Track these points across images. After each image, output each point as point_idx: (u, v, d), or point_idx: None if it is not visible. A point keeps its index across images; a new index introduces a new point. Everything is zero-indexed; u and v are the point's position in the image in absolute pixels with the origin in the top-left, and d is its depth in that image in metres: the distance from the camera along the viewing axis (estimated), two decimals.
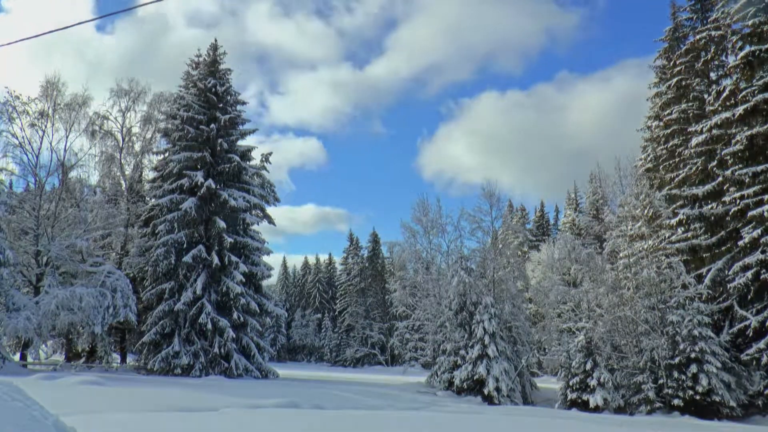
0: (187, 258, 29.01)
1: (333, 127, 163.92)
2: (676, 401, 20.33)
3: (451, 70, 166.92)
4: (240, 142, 32.84)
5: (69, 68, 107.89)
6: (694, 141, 24.88)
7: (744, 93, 22.28)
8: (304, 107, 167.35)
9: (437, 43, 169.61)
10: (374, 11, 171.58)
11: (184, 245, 29.73)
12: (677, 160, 27.46)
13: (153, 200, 32.97)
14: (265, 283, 35.11)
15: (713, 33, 25.88)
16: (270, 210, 33.21)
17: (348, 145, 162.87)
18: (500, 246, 29.96)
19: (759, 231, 20.83)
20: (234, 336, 28.97)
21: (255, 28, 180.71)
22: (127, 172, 35.66)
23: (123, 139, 35.24)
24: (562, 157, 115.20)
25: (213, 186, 29.88)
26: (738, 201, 21.89)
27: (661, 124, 29.57)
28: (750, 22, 22.05)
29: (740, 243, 21.58)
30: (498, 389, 23.95)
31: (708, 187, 23.92)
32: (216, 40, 32.98)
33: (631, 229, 26.64)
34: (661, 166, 28.89)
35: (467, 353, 25.28)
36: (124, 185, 35.66)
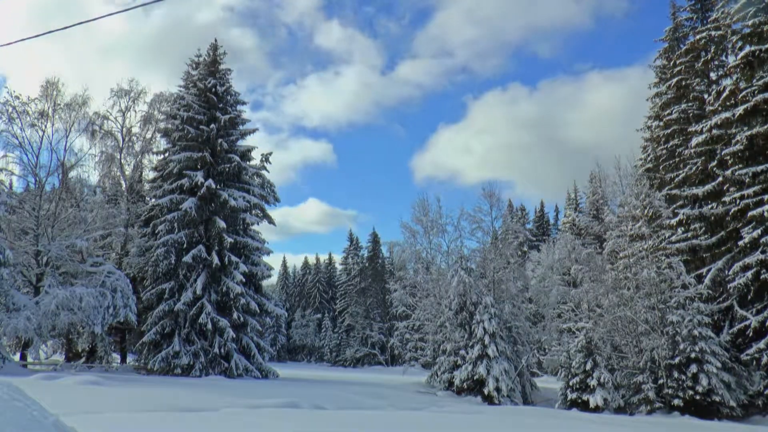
0: (187, 258, 29.01)
1: (353, 128, 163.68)
2: (676, 401, 20.31)
3: (479, 65, 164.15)
4: (240, 142, 32.86)
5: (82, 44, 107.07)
6: (694, 141, 24.87)
7: (744, 93, 22.26)
8: (326, 108, 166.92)
9: (468, 35, 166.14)
10: (408, 10, 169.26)
11: (184, 245, 29.74)
12: (677, 160, 27.46)
13: (153, 200, 32.98)
14: (265, 283, 35.12)
15: (713, 33, 25.87)
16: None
17: (365, 147, 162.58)
18: (500, 246, 29.93)
19: (759, 231, 20.82)
20: (234, 336, 28.98)
21: (286, 25, 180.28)
22: (127, 172, 35.65)
23: (123, 139, 35.23)
24: (566, 156, 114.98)
25: (213, 186, 29.89)
26: (738, 201, 21.87)
27: (661, 124, 29.57)
28: (750, 22, 22.03)
29: (740, 243, 21.57)
30: (498, 389, 23.94)
31: (708, 187, 23.91)
32: (216, 40, 33.03)
33: (631, 229, 26.61)
34: (661, 166, 28.89)
35: (467, 353, 25.27)
36: (124, 185, 35.65)
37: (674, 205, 26.02)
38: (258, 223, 32.64)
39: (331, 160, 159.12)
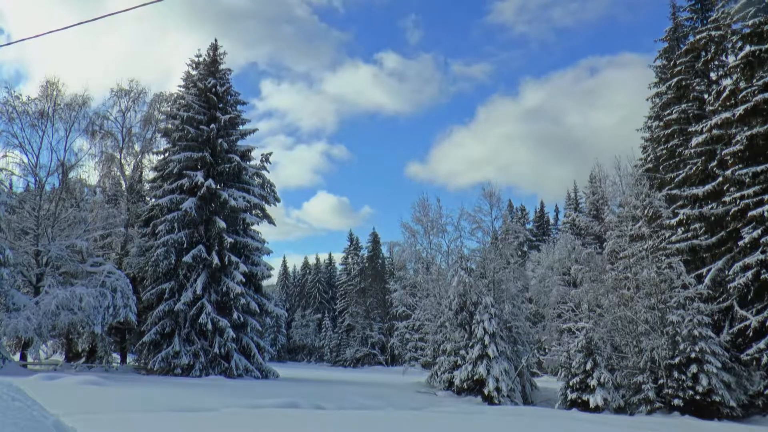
0: (187, 258, 29.02)
1: (387, 124, 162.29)
2: (676, 401, 20.30)
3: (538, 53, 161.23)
4: (240, 142, 32.89)
5: None
6: (694, 141, 24.86)
7: (744, 93, 22.25)
8: (371, 99, 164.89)
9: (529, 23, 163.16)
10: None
11: (184, 245, 29.74)
12: (677, 160, 27.45)
13: (153, 200, 33.00)
14: (265, 283, 35.13)
15: (713, 33, 25.86)
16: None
17: (392, 144, 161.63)
18: (500, 246, 29.92)
19: (759, 231, 20.80)
20: (234, 336, 28.98)
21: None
22: (127, 172, 35.67)
23: (123, 139, 35.26)
24: (574, 155, 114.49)
25: (213, 186, 29.90)
26: (738, 201, 21.85)
27: (661, 124, 29.58)
28: (750, 22, 22.02)
29: (740, 243, 21.54)
30: (498, 389, 23.93)
31: (708, 187, 23.89)
32: (216, 40, 33.04)
33: (631, 229, 26.60)
34: (661, 166, 28.89)
35: (467, 353, 25.26)
36: (124, 185, 35.67)
37: (674, 205, 26.00)
38: (258, 223, 32.67)
39: (349, 157, 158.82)
